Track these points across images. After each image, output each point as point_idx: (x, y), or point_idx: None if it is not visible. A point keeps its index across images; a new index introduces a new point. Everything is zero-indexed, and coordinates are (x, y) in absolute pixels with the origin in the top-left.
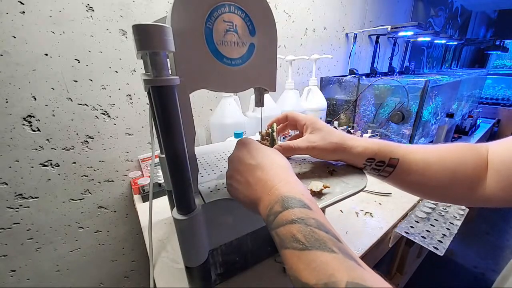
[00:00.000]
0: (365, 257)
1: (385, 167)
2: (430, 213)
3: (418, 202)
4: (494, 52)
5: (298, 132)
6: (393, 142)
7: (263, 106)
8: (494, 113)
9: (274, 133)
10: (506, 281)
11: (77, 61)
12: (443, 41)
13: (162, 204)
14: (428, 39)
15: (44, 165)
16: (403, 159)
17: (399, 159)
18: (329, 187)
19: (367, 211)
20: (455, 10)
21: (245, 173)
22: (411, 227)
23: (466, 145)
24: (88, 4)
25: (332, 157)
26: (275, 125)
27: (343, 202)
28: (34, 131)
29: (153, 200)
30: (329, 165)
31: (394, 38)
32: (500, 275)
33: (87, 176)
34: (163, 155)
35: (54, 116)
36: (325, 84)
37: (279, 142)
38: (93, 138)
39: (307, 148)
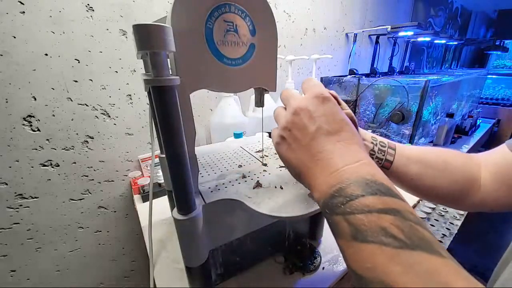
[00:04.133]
0: None
1: (388, 149)
2: (430, 213)
3: (418, 202)
4: (494, 52)
5: None
6: None
7: (263, 106)
8: (494, 113)
9: None
10: (497, 278)
11: (77, 61)
12: (443, 41)
13: (162, 204)
14: (428, 39)
15: (44, 165)
16: (399, 146)
17: (395, 144)
18: None
19: None
20: (455, 10)
21: (311, 135)
22: None
23: (456, 150)
24: (88, 4)
25: None
26: None
27: None
28: (34, 131)
29: (153, 200)
30: None
31: (394, 38)
32: (493, 272)
33: (87, 176)
34: (163, 155)
35: (54, 116)
36: (325, 84)
37: None
38: (93, 138)
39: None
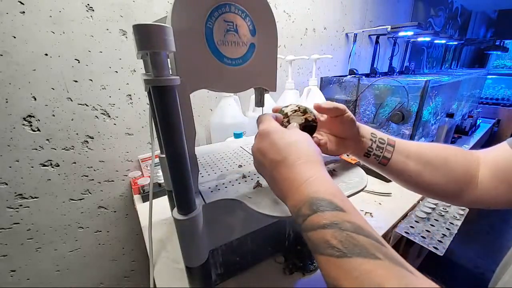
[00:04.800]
0: None
1: (387, 146)
2: (430, 213)
3: (418, 202)
4: (494, 52)
5: None
6: None
7: (263, 106)
8: (494, 113)
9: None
10: (498, 281)
11: (77, 61)
12: (443, 41)
13: (162, 204)
14: (428, 39)
15: (44, 165)
16: (398, 142)
17: (395, 141)
18: None
19: (367, 211)
20: (455, 10)
21: (269, 169)
22: (411, 227)
23: (455, 146)
24: (88, 4)
25: (349, 128)
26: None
27: None
28: (34, 131)
29: (153, 200)
30: (329, 164)
31: (394, 38)
32: (494, 275)
33: (87, 176)
34: (163, 155)
35: (54, 116)
36: (325, 84)
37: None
38: (93, 138)
39: (336, 108)
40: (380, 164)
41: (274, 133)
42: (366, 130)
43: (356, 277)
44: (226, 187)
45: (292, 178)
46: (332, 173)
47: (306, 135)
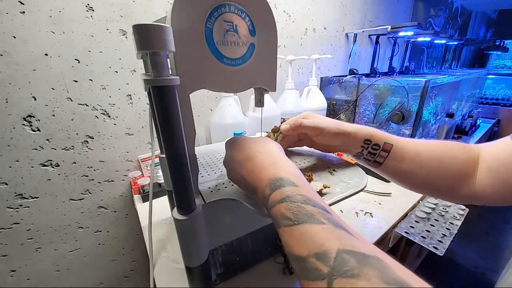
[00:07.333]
0: None
1: (380, 151)
2: (430, 213)
3: (418, 202)
4: (494, 52)
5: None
6: (385, 132)
7: (263, 106)
8: (494, 113)
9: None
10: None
11: (77, 61)
12: (443, 41)
13: (162, 204)
14: (428, 39)
15: (44, 165)
16: (396, 146)
17: (393, 144)
18: (329, 187)
19: (367, 211)
20: (455, 10)
21: (238, 170)
22: (411, 227)
23: (457, 142)
24: (88, 4)
25: (333, 140)
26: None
27: (343, 202)
28: (34, 131)
29: (153, 200)
30: (329, 165)
31: (394, 38)
32: (501, 277)
33: (87, 176)
34: (163, 155)
35: (54, 116)
36: (325, 84)
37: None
38: (93, 138)
39: (314, 127)
40: (371, 165)
41: (239, 139)
42: (358, 135)
43: (304, 241)
44: (226, 187)
45: (256, 169)
46: (332, 173)
47: (265, 137)
